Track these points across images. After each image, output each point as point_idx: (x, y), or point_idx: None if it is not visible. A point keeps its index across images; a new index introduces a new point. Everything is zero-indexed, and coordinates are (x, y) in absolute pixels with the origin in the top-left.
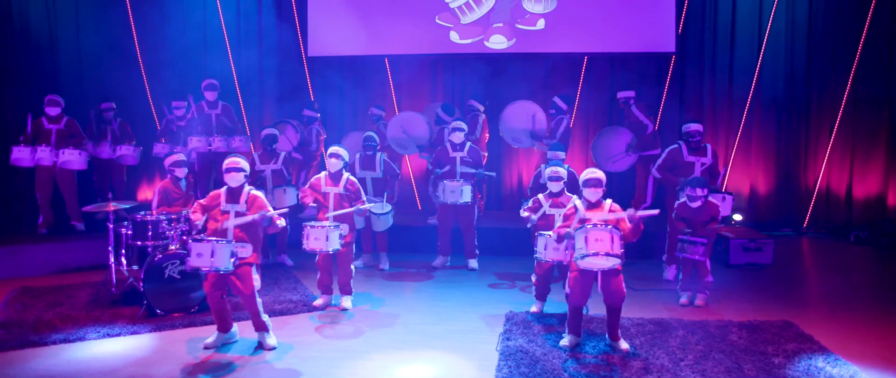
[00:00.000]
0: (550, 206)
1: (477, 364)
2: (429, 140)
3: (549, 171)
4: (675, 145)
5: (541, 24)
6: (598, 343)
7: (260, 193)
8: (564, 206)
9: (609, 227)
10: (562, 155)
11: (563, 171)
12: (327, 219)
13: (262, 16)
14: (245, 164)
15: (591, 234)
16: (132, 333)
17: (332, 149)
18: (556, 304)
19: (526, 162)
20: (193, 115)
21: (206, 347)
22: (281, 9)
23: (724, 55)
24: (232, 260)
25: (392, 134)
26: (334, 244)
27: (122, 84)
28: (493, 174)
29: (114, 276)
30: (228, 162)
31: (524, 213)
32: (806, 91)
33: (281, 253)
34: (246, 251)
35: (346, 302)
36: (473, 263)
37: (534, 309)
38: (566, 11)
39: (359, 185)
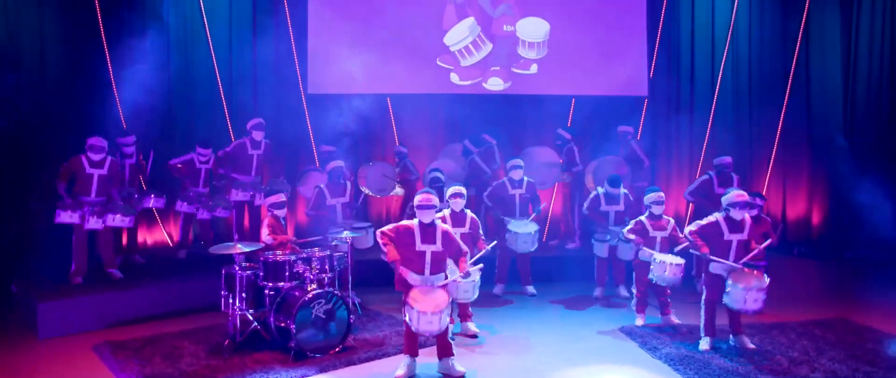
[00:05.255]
0: (653, 229)
1: (653, 372)
2: (465, 177)
3: (654, 196)
4: (707, 176)
5: (534, 68)
6: (727, 343)
7: (448, 226)
8: (664, 229)
9: (765, 287)
10: (620, 190)
11: (663, 196)
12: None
13: (257, 52)
14: (436, 200)
15: (750, 294)
16: (303, 376)
17: (454, 188)
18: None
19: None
20: (234, 152)
21: None
22: (278, 47)
23: (686, 97)
24: None
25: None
26: (476, 293)
27: (97, 125)
28: (545, 204)
29: (238, 320)
30: (421, 199)
31: (631, 236)
32: (749, 128)
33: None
34: (441, 280)
35: (473, 327)
36: (531, 289)
37: (639, 322)
38: (557, 58)
39: (479, 221)
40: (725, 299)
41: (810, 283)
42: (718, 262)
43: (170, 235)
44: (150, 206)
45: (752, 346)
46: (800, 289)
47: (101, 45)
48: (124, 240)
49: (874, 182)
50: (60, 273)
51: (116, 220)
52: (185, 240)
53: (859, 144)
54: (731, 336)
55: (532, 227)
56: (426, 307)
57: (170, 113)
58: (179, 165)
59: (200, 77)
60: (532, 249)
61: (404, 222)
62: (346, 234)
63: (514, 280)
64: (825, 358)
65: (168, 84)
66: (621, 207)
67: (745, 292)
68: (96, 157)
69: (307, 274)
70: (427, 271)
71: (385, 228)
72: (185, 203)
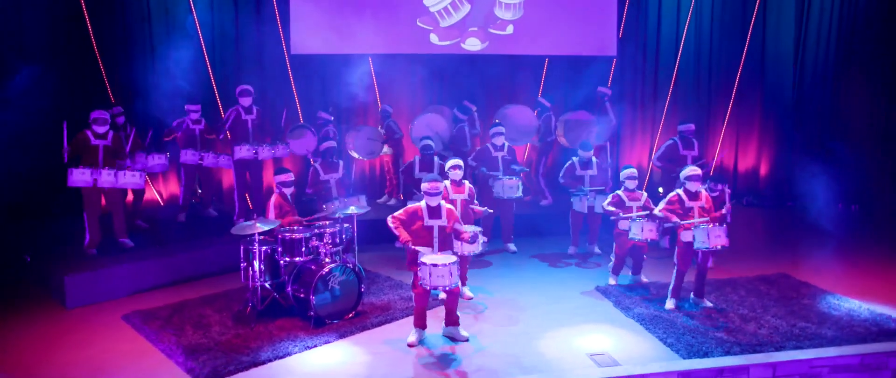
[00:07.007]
0: (629, 200)
1: (627, 330)
2: (449, 138)
3: (628, 172)
4: (672, 141)
5: (510, 29)
6: (688, 301)
7: (451, 206)
8: (639, 200)
9: (723, 225)
10: (590, 153)
11: (635, 172)
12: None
13: (240, 13)
14: (443, 186)
15: (712, 231)
16: (326, 342)
17: (454, 161)
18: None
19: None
20: (230, 121)
21: (410, 345)
22: (261, 8)
23: (651, 58)
24: None
25: (418, 133)
26: (456, 279)
27: (76, 89)
28: (527, 169)
29: (260, 292)
30: (430, 186)
31: (610, 207)
32: (708, 89)
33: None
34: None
35: (468, 292)
36: (512, 247)
37: (612, 282)
38: (531, 19)
39: (475, 190)
40: (696, 244)
41: (758, 231)
42: (688, 223)
43: (159, 193)
44: (155, 162)
45: (709, 304)
46: (749, 238)
47: (82, 14)
48: (129, 198)
49: (815, 142)
50: (72, 245)
51: (127, 176)
52: (187, 198)
53: (805, 109)
54: (692, 294)
55: (516, 178)
56: (437, 260)
57: (154, 77)
58: (177, 134)
59: (183, 40)
60: (518, 195)
61: (412, 205)
62: (353, 209)
63: (495, 237)
64: (769, 314)
65: (150, 48)
66: (594, 171)
67: (708, 230)
68: (101, 130)
69: (321, 248)
70: (436, 246)
71: (396, 213)
72: (190, 151)
